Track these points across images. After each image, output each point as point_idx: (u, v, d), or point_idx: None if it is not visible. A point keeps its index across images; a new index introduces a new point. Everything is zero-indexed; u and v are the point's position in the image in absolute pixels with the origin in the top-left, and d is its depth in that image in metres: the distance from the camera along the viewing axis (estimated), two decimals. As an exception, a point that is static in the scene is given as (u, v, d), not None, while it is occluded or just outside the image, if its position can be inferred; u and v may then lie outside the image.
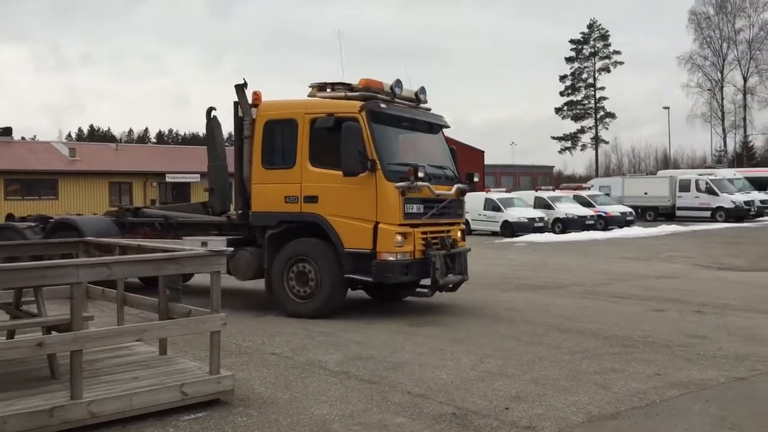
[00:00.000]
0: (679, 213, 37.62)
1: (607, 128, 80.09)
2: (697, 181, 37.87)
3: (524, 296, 12.25)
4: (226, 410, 5.61)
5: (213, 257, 5.77)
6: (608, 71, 78.73)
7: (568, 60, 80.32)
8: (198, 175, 45.47)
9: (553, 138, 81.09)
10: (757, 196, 37.67)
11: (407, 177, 9.58)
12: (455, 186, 10.71)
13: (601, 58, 79.10)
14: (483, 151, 60.97)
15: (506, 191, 36.06)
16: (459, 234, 10.73)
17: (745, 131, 70.57)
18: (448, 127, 11.50)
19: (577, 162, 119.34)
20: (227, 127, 11.68)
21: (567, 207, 32.34)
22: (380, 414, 5.59)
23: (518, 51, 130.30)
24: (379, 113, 9.84)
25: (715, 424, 5.34)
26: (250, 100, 10.71)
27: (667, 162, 71.26)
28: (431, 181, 10.07)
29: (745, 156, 69.29)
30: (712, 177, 38.27)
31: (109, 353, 6.36)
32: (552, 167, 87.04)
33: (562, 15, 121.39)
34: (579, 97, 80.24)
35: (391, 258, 9.45)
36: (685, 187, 37.99)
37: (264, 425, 5.29)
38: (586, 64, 79.84)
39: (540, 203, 32.58)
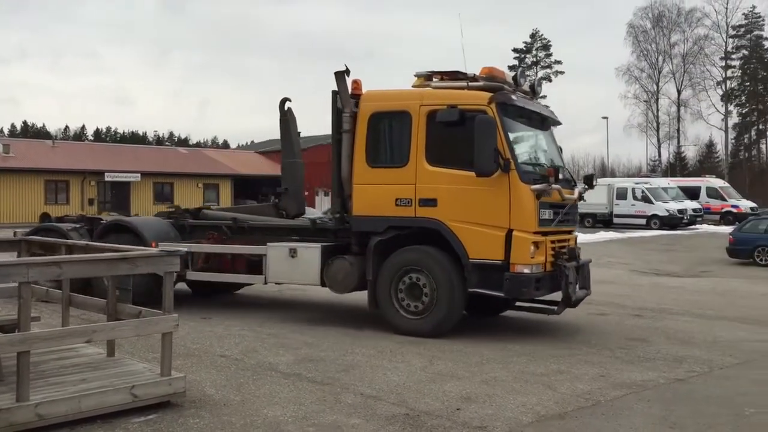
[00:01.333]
0: (616, 220, 38.73)
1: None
2: (633, 190, 39.09)
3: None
4: (177, 412, 5.53)
5: (166, 257, 5.70)
6: (550, 81, 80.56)
7: (511, 68, 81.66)
8: (139, 175, 44.60)
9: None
10: (689, 204, 39.11)
11: (542, 178, 8.66)
12: (576, 189, 9.58)
13: (543, 68, 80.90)
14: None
15: None
16: (575, 242, 9.66)
17: (678, 142, 73.26)
18: (560, 123, 10.45)
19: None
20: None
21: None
22: (334, 415, 5.61)
23: (466, 56, 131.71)
24: (509, 106, 8.78)
25: (657, 423, 5.55)
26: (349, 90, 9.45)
27: (604, 170, 73.21)
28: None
29: (678, 166, 71.84)
30: (648, 186, 39.54)
31: (54, 355, 6.20)
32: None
33: (508, 23, 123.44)
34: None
35: (526, 270, 8.32)
36: (622, 195, 39.15)
37: (217, 427, 5.25)
38: (528, 73, 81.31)
39: None
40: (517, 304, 9.63)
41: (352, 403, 5.94)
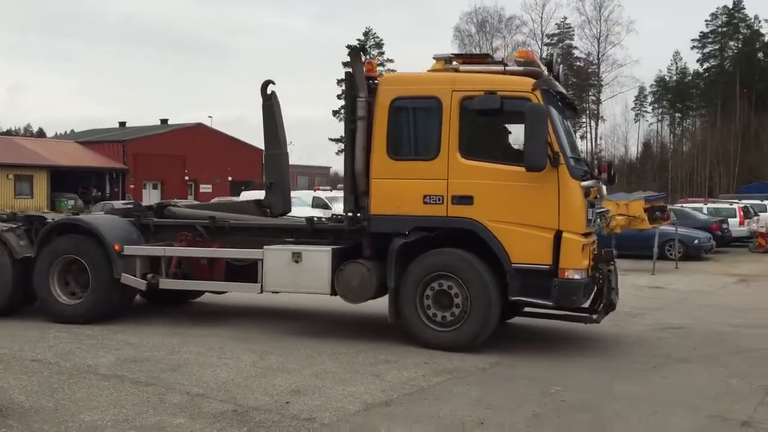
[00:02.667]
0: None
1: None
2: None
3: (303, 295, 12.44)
4: (-21, 423, 5.09)
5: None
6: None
7: (345, 65, 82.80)
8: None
9: (331, 140, 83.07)
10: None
11: (586, 174, 8.04)
12: (603, 185, 8.62)
13: (376, 65, 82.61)
14: (262, 150, 60.71)
15: (330, 190, 36.33)
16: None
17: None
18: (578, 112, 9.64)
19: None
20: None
21: (337, 207, 33.38)
22: (157, 416, 5.41)
23: (300, 52, 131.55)
24: (552, 93, 8.00)
25: (474, 405, 5.91)
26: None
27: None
28: None
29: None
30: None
31: None
32: (329, 168, 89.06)
33: (345, 20, 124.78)
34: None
35: (577, 276, 7.55)
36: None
37: (26, 436, 4.88)
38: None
39: (318, 203, 33.19)
40: (526, 309, 8.70)
41: (177, 403, 5.76)
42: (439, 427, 5.37)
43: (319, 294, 8.52)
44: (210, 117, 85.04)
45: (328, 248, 8.36)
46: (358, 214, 8.31)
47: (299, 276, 8.37)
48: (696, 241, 21.22)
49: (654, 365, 7.51)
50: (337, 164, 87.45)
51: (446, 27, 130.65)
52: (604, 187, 8.56)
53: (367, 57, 8.33)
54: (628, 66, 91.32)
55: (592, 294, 8.20)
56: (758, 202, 31.02)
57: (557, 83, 8.22)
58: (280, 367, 7.03)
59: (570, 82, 79.45)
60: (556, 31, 79.15)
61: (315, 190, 36.43)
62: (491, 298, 7.66)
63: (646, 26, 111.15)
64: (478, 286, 7.66)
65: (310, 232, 8.90)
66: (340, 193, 36.66)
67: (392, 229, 8.06)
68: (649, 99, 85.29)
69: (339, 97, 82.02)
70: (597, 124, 75.11)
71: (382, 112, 8.09)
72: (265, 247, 8.62)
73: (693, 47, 79.90)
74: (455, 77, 8.06)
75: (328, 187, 42.55)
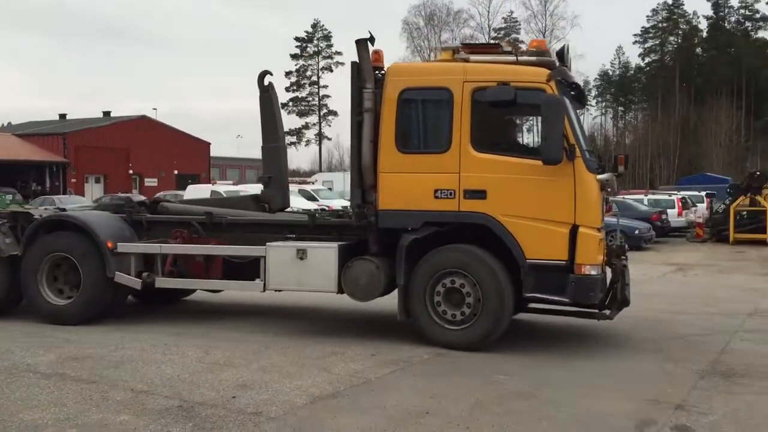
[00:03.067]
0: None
1: (330, 125, 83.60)
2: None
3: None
4: None
5: None
6: (331, 70, 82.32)
7: (294, 57, 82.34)
8: None
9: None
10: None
11: (600, 166, 7.87)
12: (615, 179, 8.33)
13: (324, 58, 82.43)
14: (209, 143, 59.88)
15: (233, 184, 35.65)
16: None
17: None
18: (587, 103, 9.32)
19: (303, 157, 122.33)
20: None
21: (293, 201, 33.07)
22: (100, 414, 5.34)
23: (245, 42, 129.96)
24: (567, 84, 7.76)
25: (420, 395, 6.00)
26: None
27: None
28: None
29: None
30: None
31: None
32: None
33: (288, 12, 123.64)
34: (304, 94, 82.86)
35: (594, 272, 7.40)
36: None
37: (-38, 438, 4.77)
38: (310, 62, 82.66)
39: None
40: (534, 306, 8.43)
41: (121, 400, 5.69)
42: (385, 417, 5.43)
43: (325, 292, 8.26)
44: (155, 109, 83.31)
45: (335, 245, 8.06)
46: (365, 210, 7.98)
47: (304, 274, 8.07)
48: (636, 232, 21.80)
49: (593, 352, 7.74)
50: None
51: (395, 19, 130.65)
52: (615, 181, 8.30)
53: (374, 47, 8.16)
54: (573, 60, 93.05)
55: (603, 288, 7.94)
56: (696, 193, 32.08)
57: (570, 74, 8.00)
58: (227, 362, 7.00)
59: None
60: (503, 25, 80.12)
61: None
62: (504, 295, 7.45)
63: (590, 21, 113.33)
64: (490, 282, 7.45)
65: (312, 228, 8.61)
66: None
67: (402, 224, 7.83)
68: (593, 92, 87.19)
69: (288, 89, 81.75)
70: (543, 117, 76.31)
71: (391, 104, 7.84)
72: (268, 243, 8.29)
73: (635, 42, 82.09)
74: (466, 67, 7.81)
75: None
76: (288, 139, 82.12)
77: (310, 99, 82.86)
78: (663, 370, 7.04)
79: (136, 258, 8.78)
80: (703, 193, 31.75)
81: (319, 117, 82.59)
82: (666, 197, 28.82)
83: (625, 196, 29.61)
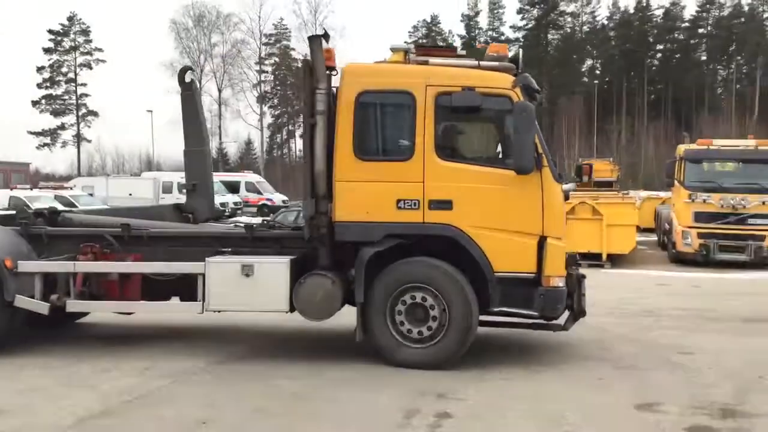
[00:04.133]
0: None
1: (89, 126, 77.89)
2: (179, 183, 39.95)
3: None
4: None
5: None
6: (90, 68, 76.78)
7: (47, 51, 75.63)
8: None
9: (30, 133, 75.29)
10: (230, 198, 41.67)
11: (560, 176, 7.52)
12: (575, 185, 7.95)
13: (83, 54, 76.68)
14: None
15: (30, 189, 32.22)
16: None
17: (220, 138, 77.08)
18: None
19: (58, 160, 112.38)
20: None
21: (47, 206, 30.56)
22: None
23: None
24: (532, 91, 7.35)
25: (198, 405, 5.93)
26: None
27: (150, 164, 72.97)
28: None
29: (221, 161, 75.69)
30: (193, 180, 40.71)
31: None
32: (29, 164, 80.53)
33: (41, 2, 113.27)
34: (59, 92, 76.23)
35: (561, 284, 7.18)
36: (168, 188, 39.67)
37: None
38: (66, 58, 76.40)
39: (17, 203, 30.00)
40: (486, 319, 7.76)
41: None
42: (160, 430, 5.30)
43: (275, 312, 7.56)
44: None
45: (286, 259, 7.37)
46: (319, 221, 7.37)
47: (251, 292, 7.30)
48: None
49: (370, 352, 8.13)
50: (38, 160, 79.77)
51: (163, 17, 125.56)
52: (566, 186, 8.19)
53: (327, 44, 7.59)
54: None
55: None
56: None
57: (533, 81, 7.72)
58: (-22, 387, 6.35)
59: (288, 82, 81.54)
60: (274, 32, 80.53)
61: (12, 189, 32.81)
62: (472, 310, 7.15)
63: (358, 33, 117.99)
64: (458, 297, 7.11)
65: (250, 241, 7.85)
66: (44, 192, 33.34)
67: (362, 237, 7.29)
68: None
69: (40, 86, 74.88)
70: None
71: (347, 107, 7.32)
72: (207, 258, 7.44)
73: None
74: (428, 71, 7.47)
75: (28, 186, 38.63)
76: (41, 140, 75.47)
77: (67, 98, 76.55)
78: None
79: (40, 278, 7.57)
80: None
81: (77, 117, 76.57)
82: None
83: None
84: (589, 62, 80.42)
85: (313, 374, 7.00)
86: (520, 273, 7.19)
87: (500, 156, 7.61)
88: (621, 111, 71.35)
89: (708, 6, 75.71)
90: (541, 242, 7.17)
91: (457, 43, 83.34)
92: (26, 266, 7.56)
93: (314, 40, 7.52)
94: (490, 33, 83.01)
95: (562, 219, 7.50)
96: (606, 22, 78.73)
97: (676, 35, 76.64)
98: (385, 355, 7.30)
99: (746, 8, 72.95)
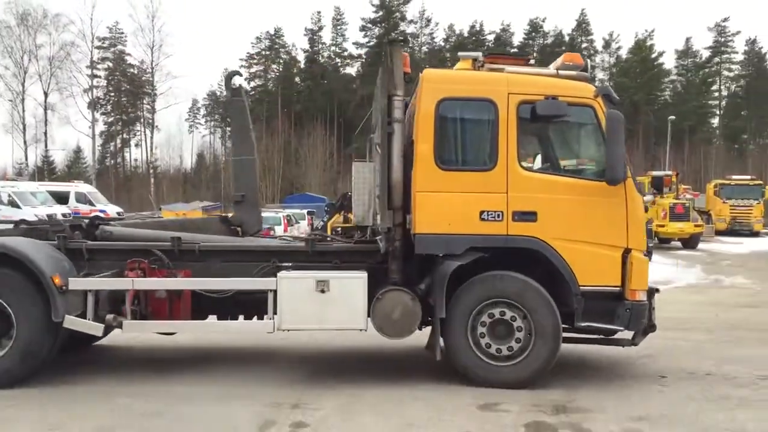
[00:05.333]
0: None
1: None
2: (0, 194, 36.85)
3: None
4: None
5: None
6: None
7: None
8: None
9: None
10: (59, 209, 38.98)
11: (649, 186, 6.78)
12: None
13: None
14: None
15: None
16: None
17: (46, 145, 71.87)
18: None
19: None
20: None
21: None
22: None
23: None
24: (611, 100, 7.13)
25: (36, 428, 5.63)
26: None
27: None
28: None
29: (46, 170, 70.57)
30: (15, 190, 37.84)
31: None
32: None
33: None
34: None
35: (644, 298, 6.94)
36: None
37: None
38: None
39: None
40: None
41: None
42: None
43: (351, 330, 7.09)
44: None
45: (363, 274, 6.99)
46: (395, 234, 7.07)
47: (326, 309, 6.89)
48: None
49: (227, 366, 8.03)
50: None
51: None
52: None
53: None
54: (182, 78, 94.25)
55: None
56: (299, 211, 34.95)
57: (612, 91, 7.64)
58: None
59: (123, 88, 77.92)
60: (108, 35, 76.75)
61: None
62: (559, 326, 6.94)
63: (200, 42, 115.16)
64: (546, 315, 6.88)
65: (310, 255, 7.40)
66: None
67: (444, 250, 6.97)
68: (202, 111, 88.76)
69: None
70: (152, 133, 74.87)
71: (427, 115, 7.04)
72: (279, 274, 6.98)
73: (241, 66, 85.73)
74: (510, 78, 7.26)
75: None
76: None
77: None
78: (285, 375, 7.52)
79: (93, 296, 6.87)
80: (305, 211, 34.78)
81: None
82: (273, 215, 30.86)
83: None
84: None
85: (161, 391, 6.81)
86: (605, 287, 7.04)
87: (582, 166, 7.56)
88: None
89: (533, 34, 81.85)
90: (625, 255, 7.07)
91: (301, 56, 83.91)
92: (78, 283, 6.91)
93: (394, 46, 7.30)
94: (333, 48, 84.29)
95: (644, 231, 7.40)
96: (443, 44, 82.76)
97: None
98: (467, 375, 7.03)
99: (567, 38, 79.70)
